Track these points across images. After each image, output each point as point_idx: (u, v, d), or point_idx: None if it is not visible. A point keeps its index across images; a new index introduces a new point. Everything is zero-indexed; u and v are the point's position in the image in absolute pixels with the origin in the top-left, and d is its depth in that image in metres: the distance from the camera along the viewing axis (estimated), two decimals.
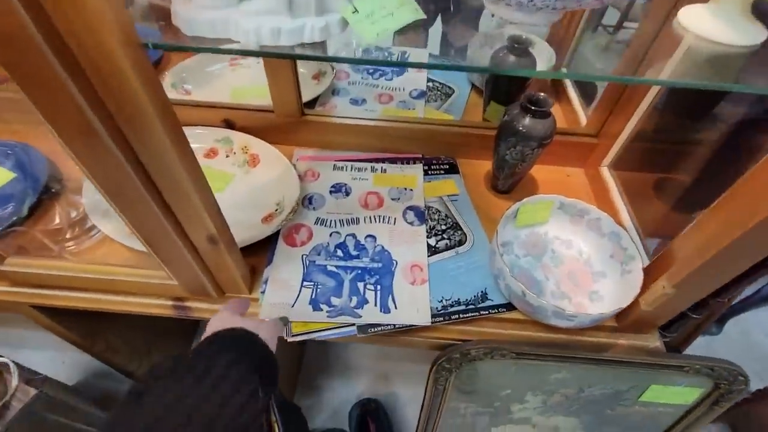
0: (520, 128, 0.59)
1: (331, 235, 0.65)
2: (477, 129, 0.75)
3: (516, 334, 0.58)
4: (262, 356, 0.40)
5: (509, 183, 0.69)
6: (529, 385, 0.64)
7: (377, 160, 0.76)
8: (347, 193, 0.71)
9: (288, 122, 0.73)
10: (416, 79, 0.93)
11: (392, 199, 0.71)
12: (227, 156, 0.73)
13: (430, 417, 0.69)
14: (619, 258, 0.59)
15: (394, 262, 0.62)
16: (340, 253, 0.62)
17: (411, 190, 0.72)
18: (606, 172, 0.71)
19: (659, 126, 0.62)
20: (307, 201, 0.69)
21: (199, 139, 0.73)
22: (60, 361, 1.10)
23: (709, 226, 0.44)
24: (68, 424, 0.69)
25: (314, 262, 0.61)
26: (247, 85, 0.89)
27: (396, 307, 0.57)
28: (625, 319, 0.55)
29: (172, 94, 0.80)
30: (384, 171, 0.75)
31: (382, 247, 0.63)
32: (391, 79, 0.93)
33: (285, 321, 0.54)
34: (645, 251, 0.59)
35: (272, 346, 0.42)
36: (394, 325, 0.55)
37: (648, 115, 0.62)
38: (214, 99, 0.75)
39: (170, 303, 0.59)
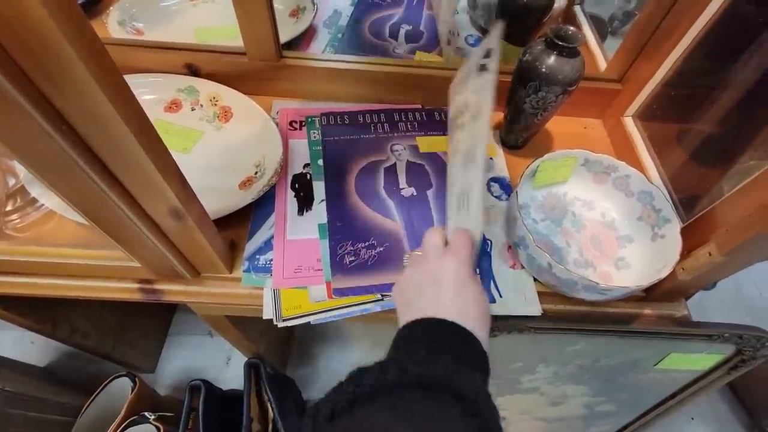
0: (544, 70, 0.50)
1: None
2: None
3: None
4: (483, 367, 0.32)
5: (524, 137, 0.60)
6: (542, 357, 0.59)
7: (382, 113, 0.64)
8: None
9: (263, 67, 0.62)
10: None
11: None
12: (193, 109, 0.62)
13: None
14: (650, 221, 0.52)
15: (489, 242, 0.54)
16: None
17: (491, 158, 0.62)
18: (630, 123, 0.63)
19: (702, 68, 0.54)
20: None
21: (156, 88, 0.61)
22: (28, 341, 1.02)
23: None
24: (35, 416, 0.62)
25: None
26: (213, 24, 0.76)
27: (501, 296, 0.49)
28: (656, 289, 0.49)
29: (119, 34, 0.66)
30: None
31: None
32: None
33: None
34: (678, 213, 0.52)
35: (485, 340, 0.33)
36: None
37: (688, 55, 0.53)
38: (174, 40, 0.62)
39: (136, 286, 0.50)
